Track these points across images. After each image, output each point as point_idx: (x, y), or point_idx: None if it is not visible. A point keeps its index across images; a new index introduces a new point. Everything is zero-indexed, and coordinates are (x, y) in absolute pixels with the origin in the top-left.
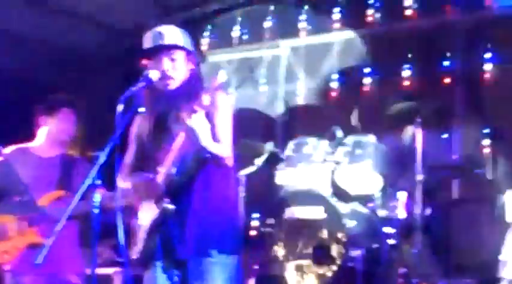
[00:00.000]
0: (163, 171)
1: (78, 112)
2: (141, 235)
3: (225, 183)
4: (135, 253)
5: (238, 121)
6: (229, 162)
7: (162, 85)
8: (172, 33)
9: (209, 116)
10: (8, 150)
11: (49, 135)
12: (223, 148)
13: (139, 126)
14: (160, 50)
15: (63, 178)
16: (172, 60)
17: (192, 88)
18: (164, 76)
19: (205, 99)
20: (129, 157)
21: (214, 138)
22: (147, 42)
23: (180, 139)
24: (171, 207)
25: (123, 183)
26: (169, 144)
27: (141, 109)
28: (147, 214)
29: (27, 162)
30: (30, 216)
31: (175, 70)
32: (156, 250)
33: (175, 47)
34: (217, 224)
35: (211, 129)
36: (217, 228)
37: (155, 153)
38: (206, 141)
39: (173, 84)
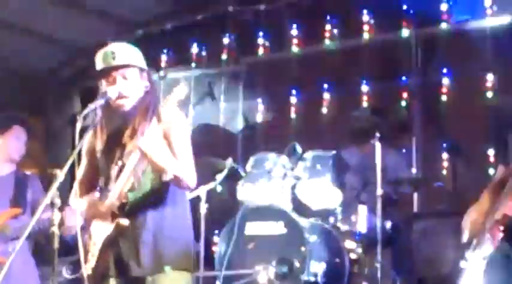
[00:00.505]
0: (117, 189)
1: (28, 130)
2: (93, 252)
3: (181, 198)
4: (88, 269)
5: (198, 137)
6: (190, 181)
7: (117, 105)
8: (123, 52)
9: (166, 134)
10: None
11: (1, 153)
12: (182, 167)
13: (90, 142)
14: (113, 70)
15: (17, 195)
16: (125, 78)
17: (148, 105)
18: (119, 96)
19: (163, 115)
20: (80, 174)
21: (172, 157)
22: (99, 63)
23: (134, 157)
24: (125, 223)
25: (75, 201)
26: (123, 161)
27: (94, 125)
28: (100, 230)
29: None
30: None
31: (129, 89)
32: (109, 267)
33: (127, 66)
34: (172, 241)
35: (169, 148)
36: (172, 245)
37: (109, 169)
38: (165, 163)
39: (128, 104)
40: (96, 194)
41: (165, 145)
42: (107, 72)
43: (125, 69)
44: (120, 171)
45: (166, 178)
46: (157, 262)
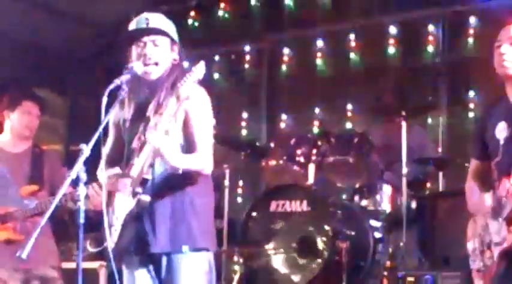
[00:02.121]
0: (139, 164)
1: (42, 105)
2: (116, 226)
3: (203, 178)
4: (111, 243)
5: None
6: (208, 169)
7: (144, 74)
8: (158, 20)
9: (186, 113)
10: None
11: (12, 129)
12: (199, 157)
13: (117, 115)
14: (145, 34)
15: (34, 172)
16: (156, 45)
17: (175, 79)
18: (147, 62)
19: (183, 91)
20: (107, 148)
21: (192, 144)
22: (132, 26)
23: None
24: (146, 198)
25: (102, 174)
26: (145, 134)
27: (120, 99)
28: (122, 205)
29: None
30: (2, 214)
31: (159, 56)
32: (130, 242)
33: (160, 32)
34: (191, 219)
35: (189, 132)
36: (191, 223)
37: (131, 140)
38: (175, 162)
39: (156, 71)
40: (116, 173)
41: (174, 144)
42: (138, 36)
43: (156, 35)
44: (143, 145)
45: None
46: (175, 241)
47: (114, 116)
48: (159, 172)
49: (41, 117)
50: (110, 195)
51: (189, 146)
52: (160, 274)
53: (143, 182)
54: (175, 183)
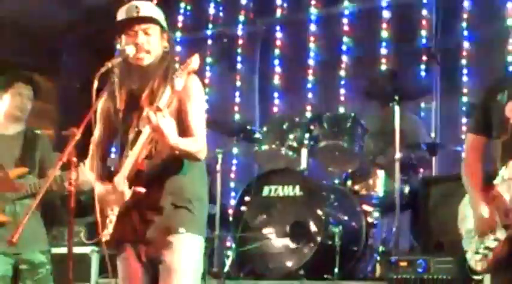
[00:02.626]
0: (134, 155)
1: (34, 87)
2: (111, 218)
3: (196, 165)
4: (105, 235)
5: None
6: (203, 154)
7: (135, 59)
8: (147, 8)
9: (181, 102)
10: None
11: (4, 111)
12: (196, 142)
13: (105, 103)
14: (136, 23)
15: (23, 155)
16: (147, 34)
17: (167, 67)
18: (139, 50)
19: (178, 83)
20: (95, 137)
21: (187, 130)
22: (121, 15)
23: (148, 130)
24: (141, 190)
25: (88, 173)
26: (139, 125)
27: (111, 84)
28: (116, 195)
29: None
30: None
31: (150, 44)
32: (125, 233)
33: (150, 21)
34: (188, 208)
35: (184, 118)
36: (187, 211)
37: (125, 133)
38: (175, 139)
39: (147, 59)
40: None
41: (174, 125)
42: (129, 25)
43: (147, 24)
44: (137, 137)
45: (174, 153)
46: (172, 225)
47: (102, 104)
48: (156, 163)
49: (33, 100)
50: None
51: (183, 132)
52: (155, 258)
53: (138, 173)
54: (169, 173)
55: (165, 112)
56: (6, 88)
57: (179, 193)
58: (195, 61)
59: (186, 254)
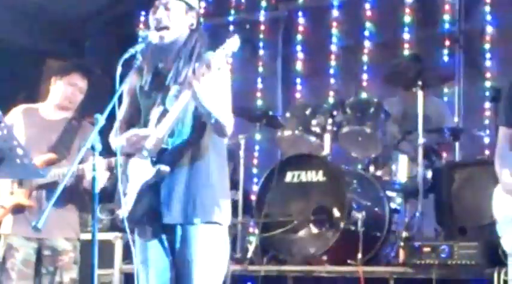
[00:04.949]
0: (159, 133)
1: (89, 80)
2: (131, 196)
3: (219, 146)
4: (125, 212)
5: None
6: (230, 130)
7: (157, 37)
8: None
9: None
10: (17, 109)
11: (54, 97)
12: (227, 116)
13: (133, 80)
14: None
15: (60, 141)
16: (167, 9)
17: (193, 47)
18: (157, 26)
19: (215, 63)
20: (121, 113)
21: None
22: None
23: (182, 100)
24: (166, 169)
25: (115, 139)
26: (165, 103)
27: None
28: (138, 175)
29: (32, 122)
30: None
31: (170, 20)
32: (144, 213)
33: None
34: (206, 192)
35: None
36: (206, 196)
37: (149, 111)
38: (213, 107)
39: (168, 35)
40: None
41: (215, 94)
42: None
43: None
44: (162, 115)
45: (209, 121)
46: (188, 212)
47: (129, 83)
48: (178, 142)
49: (85, 92)
50: (125, 162)
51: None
52: (174, 244)
53: (161, 151)
54: (192, 153)
55: (206, 78)
56: (62, 75)
57: (200, 176)
58: (234, 42)
59: (203, 244)
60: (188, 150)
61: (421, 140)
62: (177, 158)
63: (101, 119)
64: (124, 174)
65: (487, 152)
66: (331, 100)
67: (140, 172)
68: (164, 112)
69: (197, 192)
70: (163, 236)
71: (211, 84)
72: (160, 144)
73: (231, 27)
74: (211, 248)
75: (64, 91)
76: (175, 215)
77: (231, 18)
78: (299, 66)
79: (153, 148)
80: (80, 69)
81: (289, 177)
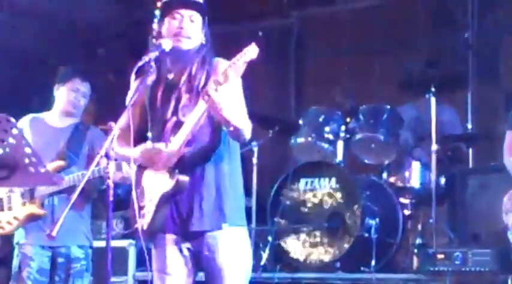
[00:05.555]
0: (176, 143)
1: (91, 83)
2: (149, 208)
3: (234, 153)
4: (143, 225)
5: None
6: (249, 135)
7: (176, 41)
8: None
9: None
10: (24, 118)
11: (58, 104)
12: (245, 122)
13: (140, 89)
14: (184, 7)
15: (68, 148)
16: (192, 21)
17: (204, 57)
18: (180, 33)
19: (233, 70)
20: (122, 123)
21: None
22: None
23: (198, 110)
24: (185, 179)
25: (120, 149)
26: (177, 114)
27: (148, 76)
28: (155, 187)
29: (39, 130)
30: (32, 188)
31: (194, 31)
32: (166, 223)
33: (198, 6)
34: (229, 197)
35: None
36: (229, 201)
37: (162, 121)
38: (231, 115)
39: (187, 44)
40: (153, 146)
41: (232, 101)
42: (174, 7)
43: (193, 11)
44: (177, 124)
45: (228, 129)
46: (217, 218)
47: (139, 93)
48: (195, 150)
49: (88, 99)
50: (138, 175)
51: None
52: (200, 252)
53: (179, 161)
54: (211, 160)
55: (223, 87)
56: (64, 82)
57: (221, 182)
58: (253, 50)
59: (232, 248)
60: (206, 157)
61: (434, 147)
62: (195, 166)
63: (115, 127)
64: (139, 185)
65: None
66: (344, 107)
67: (156, 183)
68: (178, 123)
69: (222, 197)
70: (183, 245)
71: (229, 92)
72: (176, 156)
73: (243, 35)
74: (240, 252)
75: (67, 97)
76: (203, 222)
77: (243, 26)
78: (311, 73)
79: (169, 162)
80: (80, 73)
81: (302, 184)
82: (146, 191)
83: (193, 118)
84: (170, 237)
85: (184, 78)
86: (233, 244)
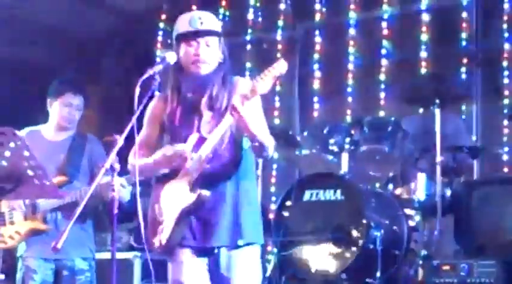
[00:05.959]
0: (199, 158)
1: (85, 96)
2: (168, 223)
3: (251, 169)
4: (162, 240)
5: None
6: (272, 152)
7: (194, 68)
8: (210, 20)
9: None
10: (21, 132)
11: (52, 118)
12: (270, 138)
13: (157, 107)
14: (198, 35)
15: (66, 162)
16: (208, 46)
17: (225, 75)
18: (198, 60)
19: (261, 85)
20: (142, 137)
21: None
22: (184, 25)
23: (223, 126)
24: (207, 193)
25: (140, 159)
26: (200, 130)
27: (154, 90)
28: (175, 200)
29: (36, 144)
30: (34, 203)
31: (210, 56)
32: (185, 237)
33: (213, 34)
34: (248, 213)
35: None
36: (247, 217)
37: (183, 137)
38: (257, 130)
39: (206, 68)
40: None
41: (256, 116)
42: (191, 36)
43: (209, 36)
44: (199, 141)
45: (253, 144)
46: (235, 235)
47: (154, 108)
48: (217, 165)
49: (83, 110)
50: (157, 190)
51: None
52: (218, 267)
53: (201, 176)
54: (232, 175)
55: (249, 104)
56: (55, 97)
57: (240, 199)
58: (282, 65)
59: (247, 265)
60: (228, 174)
61: (439, 158)
62: (217, 182)
63: (120, 140)
64: (157, 200)
65: (505, 170)
66: (348, 119)
67: (177, 198)
68: (201, 139)
69: (239, 213)
70: (200, 259)
71: (254, 108)
72: (198, 171)
73: (248, 47)
74: (253, 270)
75: (60, 112)
76: (220, 238)
77: (248, 37)
78: (316, 85)
79: (191, 170)
80: (72, 87)
81: (307, 195)
82: (165, 206)
83: (217, 134)
84: (188, 251)
85: (205, 99)
86: (248, 264)
